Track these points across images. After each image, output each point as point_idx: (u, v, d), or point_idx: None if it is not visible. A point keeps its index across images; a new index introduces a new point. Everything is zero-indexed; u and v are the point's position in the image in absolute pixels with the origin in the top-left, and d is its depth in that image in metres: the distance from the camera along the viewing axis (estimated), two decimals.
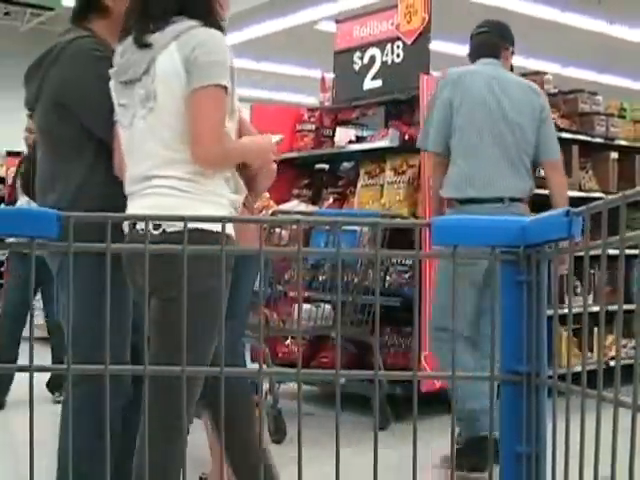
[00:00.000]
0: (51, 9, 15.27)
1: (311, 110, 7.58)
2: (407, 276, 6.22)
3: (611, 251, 1.19)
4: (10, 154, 12.63)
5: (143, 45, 2.79)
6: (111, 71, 2.92)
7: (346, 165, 7.49)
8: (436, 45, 7.06)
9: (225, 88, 2.76)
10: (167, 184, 2.77)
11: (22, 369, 1.09)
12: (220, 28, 2.85)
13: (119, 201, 2.89)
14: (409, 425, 4.31)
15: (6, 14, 17.96)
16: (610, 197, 1.18)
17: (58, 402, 5.75)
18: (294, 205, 6.60)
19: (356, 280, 5.80)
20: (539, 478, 1.22)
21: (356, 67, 6.98)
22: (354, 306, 5.77)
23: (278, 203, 6.43)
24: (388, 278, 6.35)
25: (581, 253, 1.18)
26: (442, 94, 4.77)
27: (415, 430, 1.25)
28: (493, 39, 5.02)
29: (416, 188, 6.22)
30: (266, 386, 5.59)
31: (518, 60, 5.38)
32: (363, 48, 6.94)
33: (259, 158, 3.05)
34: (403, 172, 6.40)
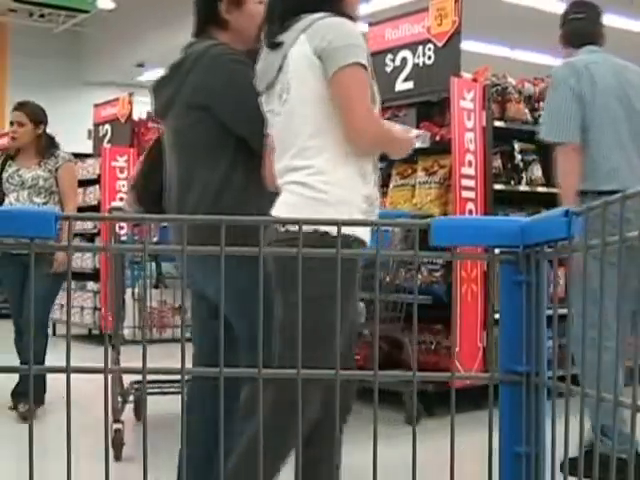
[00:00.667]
0: (87, 12, 15.42)
1: None
2: (438, 275, 6.27)
3: None
4: None
5: (274, 45, 2.82)
6: (256, 83, 2.96)
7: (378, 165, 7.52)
8: (467, 45, 7.05)
9: (365, 67, 2.74)
10: (296, 179, 2.76)
11: (22, 370, 1.10)
12: (350, 18, 2.84)
13: (258, 204, 2.88)
14: (439, 420, 4.31)
15: (41, 16, 18.19)
16: (612, 197, 1.18)
17: (24, 418, 5.78)
18: None
19: (388, 279, 5.87)
20: (538, 478, 1.22)
21: (388, 69, 7.00)
22: (386, 304, 5.85)
23: None
24: (419, 277, 6.37)
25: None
26: (567, 84, 4.59)
27: (414, 431, 1.25)
28: (593, 25, 4.90)
29: (447, 188, 6.25)
30: None
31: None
32: (395, 50, 6.97)
33: (401, 149, 3.03)
34: (434, 172, 6.44)
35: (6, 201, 6.18)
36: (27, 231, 1.06)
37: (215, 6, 3.23)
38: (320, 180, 2.73)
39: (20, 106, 6.38)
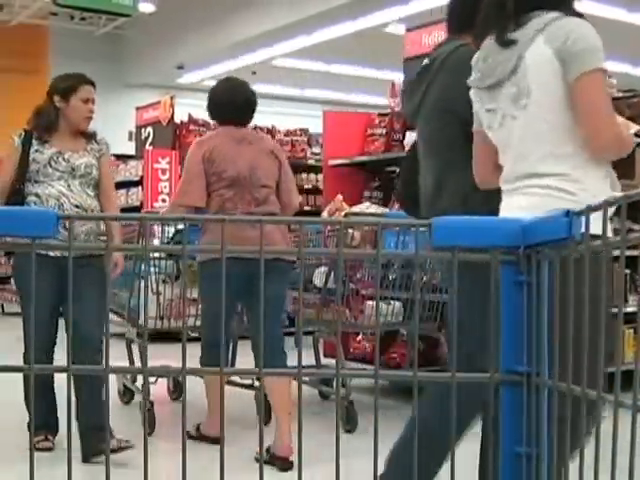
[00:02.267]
0: (128, 15, 15.52)
1: (382, 115, 7.79)
2: None
3: None
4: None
5: (507, 43, 2.76)
6: (471, 79, 2.92)
7: None
8: None
9: (606, 72, 2.72)
10: (541, 183, 2.73)
11: (22, 370, 1.11)
12: (580, 16, 2.78)
13: (496, 204, 2.88)
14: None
15: (82, 19, 18.35)
16: (612, 197, 1.17)
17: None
18: (365, 207, 6.75)
19: (425, 278, 5.92)
20: (539, 478, 1.22)
21: None
22: (423, 303, 5.98)
23: (350, 205, 6.59)
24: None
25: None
26: None
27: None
28: None
29: None
30: None
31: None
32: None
33: (630, 147, 2.90)
34: None
35: (45, 190, 4.92)
36: (28, 231, 1.08)
37: (475, 10, 3.09)
38: (571, 185, 2.70)
39: (89, 80, 5.20)
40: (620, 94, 7.12)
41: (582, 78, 2.65)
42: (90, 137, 5.14)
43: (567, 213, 1.17)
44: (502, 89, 2.80)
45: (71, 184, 4.93)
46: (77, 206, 4.92)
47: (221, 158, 4.86)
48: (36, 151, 4.95)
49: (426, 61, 3.29)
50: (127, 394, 6.43)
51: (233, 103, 5.05)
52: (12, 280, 5.20)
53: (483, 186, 2.97)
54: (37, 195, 4.92)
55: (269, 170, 5.02)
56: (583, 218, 1.18)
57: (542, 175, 2.73)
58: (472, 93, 2.91)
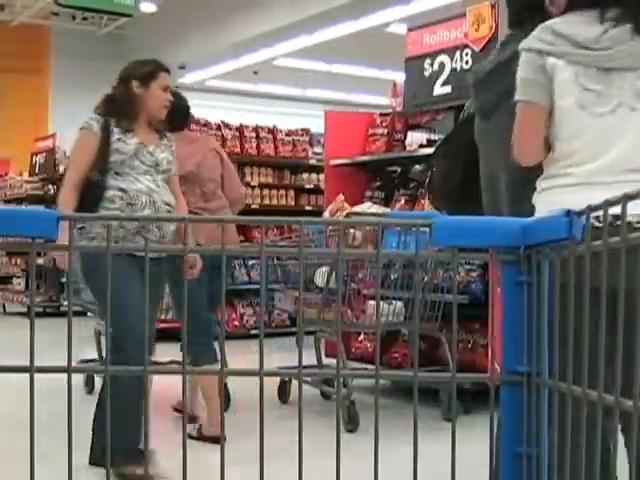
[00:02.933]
0: (129, 15, 15.53)
1: (383, 115, 7.79)
2: (475, 274, 6.33)
3: None
4: None
5: None
6: (569, 50, 2.79)
7: (417, 168, 7.66)
8: None
9: None
10: None
11: (22, 369, 1.11)
12: None
13: None
14: (476, 417, 4.28)
15: (84, 19, 18.36)
16: (612, 197, 1.17)
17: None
18: (367, 207, 6.76)
19: (426, 278, 5.95)
20: (539, 479, 1.22)
21: (426, 73, 7.11)
22: (424, 303, 6.02)
23: (352, 205, 6.60)
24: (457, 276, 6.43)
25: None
26: None
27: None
28: None
29: None
30: None
31: None
32: (433, 55, 7.08)
33: None
34: None
35: (132, 185, 4.46)
36: (28, 231, 1.08)
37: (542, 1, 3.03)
38: None
39: (166, 67, 4.81)
40: None
41: None
42: (161, 131, 4.77)
43: (567, 213, 1.17)
44: (622, 77, 2.73)
45: (156, 179, 4.55)
46: (167, 204, 4.56)
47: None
48: (119, 140, 4.47)
49: (495, 56, 3.21)
50: (90, 383, 6.72)
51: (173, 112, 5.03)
52: (84, 281, 4.43)
53: (530, 162, 2.86)
54: (123, 190, 4.42)
55: (213, 165, 5.70)
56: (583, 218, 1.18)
57: None
58: (560, 64, 2.79)
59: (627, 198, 1.14)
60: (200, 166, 5.59)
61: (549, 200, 2.77)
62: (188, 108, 5.75)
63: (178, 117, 5.42)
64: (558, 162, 2.84)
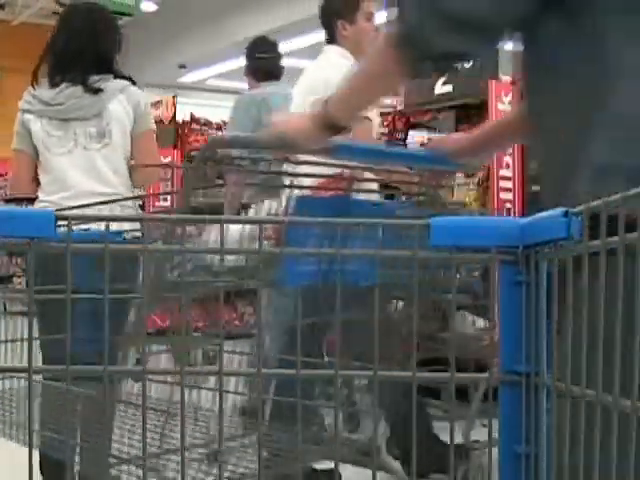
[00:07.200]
0: (130, 15, 15.50)
1: (384, 114, 7.73)
2: (477, 274, 6.34)
3: None
4: None
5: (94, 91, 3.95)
6: (37, 109, 3.99)
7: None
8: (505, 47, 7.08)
9: None
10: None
11: (21, 370, 1.10)
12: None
13: None
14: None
15: None
16: (612, 197, 1.17)
17: None
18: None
19: (428, 278, 5.96)
20: (538, 478, 1.22)
21: None
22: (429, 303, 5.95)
23: None
24: (458, 276, 6.43)
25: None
26: None
27: (415, 428, 1.26)
28: None
29: (485, 189, 6.26)
30: None
31: None
32: None
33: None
34: (473, 174, 6.46)
35: None
36: (27, 231, 1.08)
37: None
38: None
39: None
40: None
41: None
42: None
43: (566, 213, 1.17)
44: (79, 125, 3.81)
45: None
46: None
47: None
48: None
49: None
50: None
51: None
52: None
53: (24, 193, 4.13)
54: None
55: None
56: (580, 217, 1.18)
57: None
58: (41, 122, 3.92)
59: (625, 198, 1.14)
60: None
61: None
62: None
63: None
64: (43, 192, 3.83)
